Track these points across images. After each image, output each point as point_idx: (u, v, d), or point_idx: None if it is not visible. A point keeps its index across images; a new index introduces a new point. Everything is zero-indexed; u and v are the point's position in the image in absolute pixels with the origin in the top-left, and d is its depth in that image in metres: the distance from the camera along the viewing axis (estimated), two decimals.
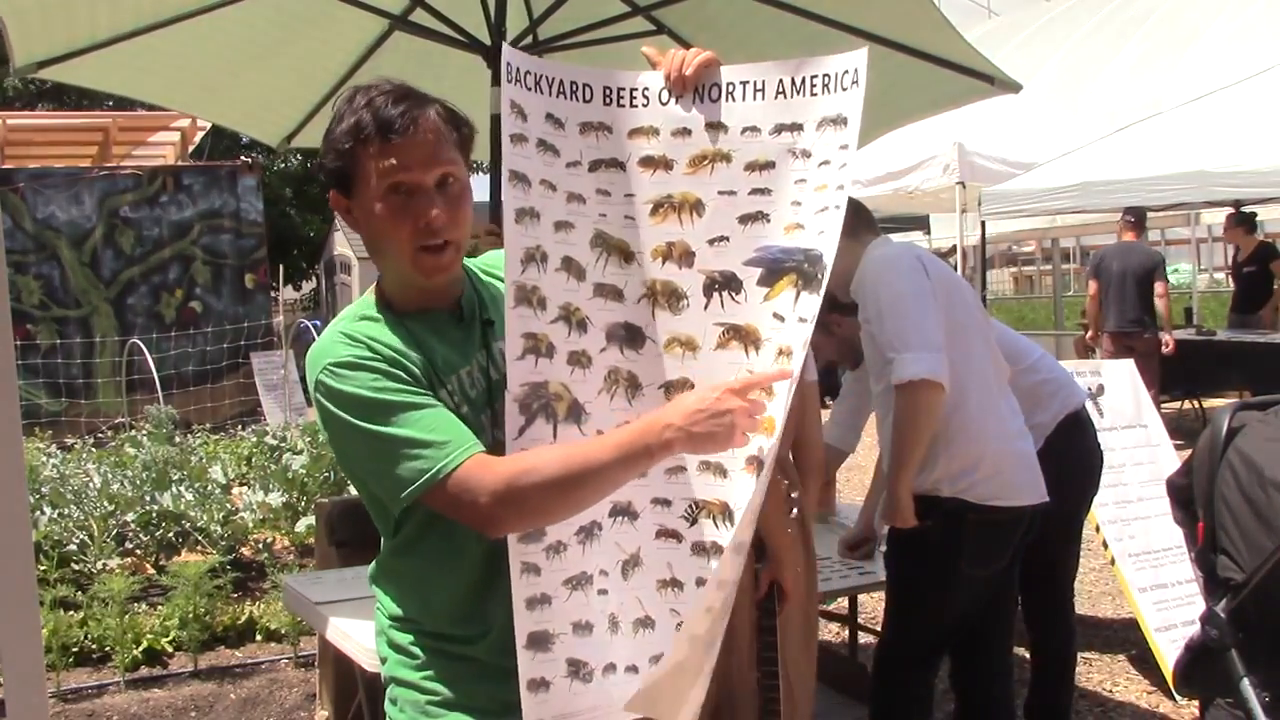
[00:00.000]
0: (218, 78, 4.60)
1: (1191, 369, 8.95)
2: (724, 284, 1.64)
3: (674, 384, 1.66)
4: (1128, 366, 4.74)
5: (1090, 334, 9.08)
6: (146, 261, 11.37)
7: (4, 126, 12.56)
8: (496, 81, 3.95)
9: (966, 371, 2.87)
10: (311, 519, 5.66)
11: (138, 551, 5.88)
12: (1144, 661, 4.36)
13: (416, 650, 1.71)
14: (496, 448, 1.64)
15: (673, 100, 1.66)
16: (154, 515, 5.96)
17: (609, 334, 1.65)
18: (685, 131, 1.66)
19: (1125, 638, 4.70)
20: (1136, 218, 8.78)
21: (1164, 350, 8.57)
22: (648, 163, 1.66)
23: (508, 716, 1.63)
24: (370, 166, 1.59)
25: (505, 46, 1.64)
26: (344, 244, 20.95)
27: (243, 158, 14.46)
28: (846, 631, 4.52)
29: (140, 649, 4.70)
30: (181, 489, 6.19)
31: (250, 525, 6.03)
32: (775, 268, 1.61)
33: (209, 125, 12.90)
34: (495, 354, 1.70)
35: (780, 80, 1.63)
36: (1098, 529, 4.26)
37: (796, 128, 1.62)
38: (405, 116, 1.57)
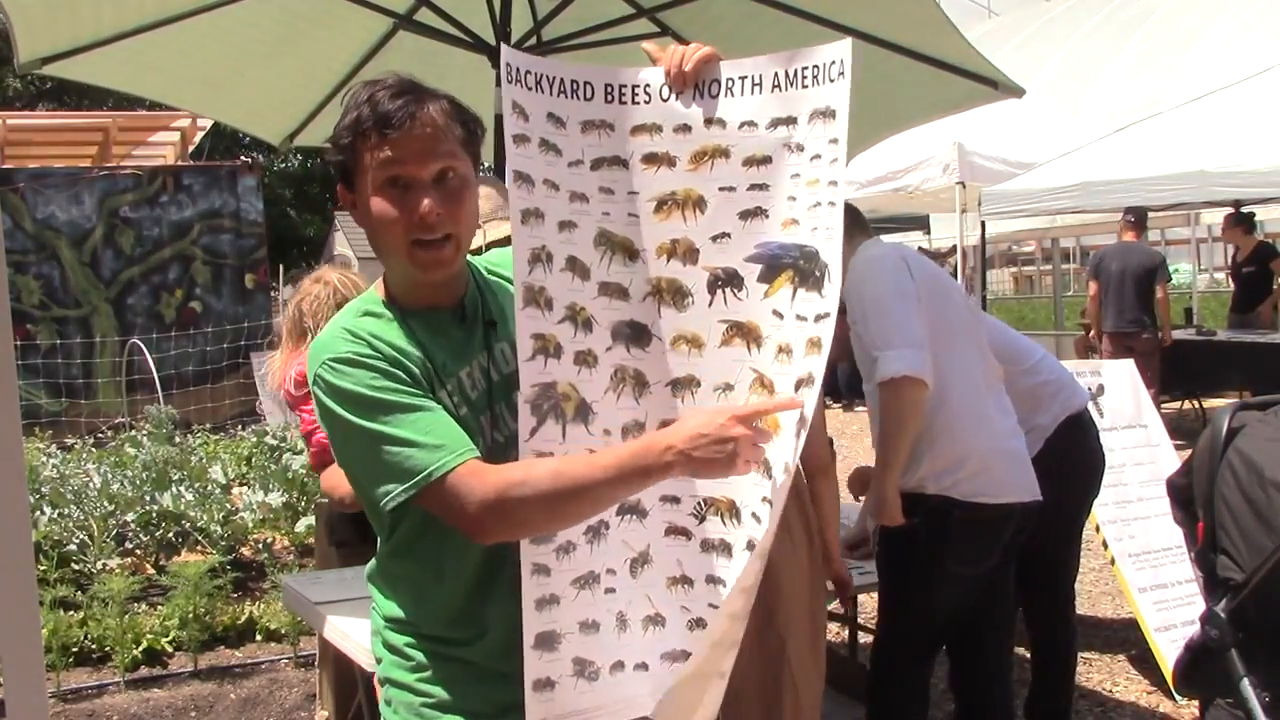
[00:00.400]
0: (221, 75, 4.60)
1: (1191, 369, 8.95)
2: (727, 280, 1.64)
3: (680, 381, 1.66)
4: (1128, 366, 4.74)
5: (1091, 334, 9.08)
6: (146, 261, 11.36)
7: (4, 126, 12.56)
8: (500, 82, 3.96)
9: (951, 370, 2.89)
10: (311, 519, 5.65)
11: (138, 551, 5.88)
12: (1144, 661, 4.36)
13: (412, 652, 1.70)
14: (496, 449, 1.64)
15: (673, 96, 1.66)
16: (154, 515, 5.96)
17: (614, 332, 1.64)
18: (686, 128, 1.65)
19: (1125, 638, 4.70)
20: (1136, 218, 8.78)
21: (1163, 346, 8.58)
22: (650, 160, 1.66)
23: (504, 719, 1.63)
24: (368, 160, 1.58)
25: (505, 47, 1.64)
26: (344, 244, 20.96)
27: (243, 158, 14.45)
28: (846, 632, 4.52)
29: (140, 649, 4.70)
30: (181, 489, 6.19)
31: (250, 525, 6.03)
32: (773, 264, 1.61)
33: (209, 125, 12.92)
34: (496, 355, 1.69)
35: (775, 73, 1.62)
36: (1098, 529, 4.26)
37: (790, 121, 1.62)
38: (403, 111, 1.56)
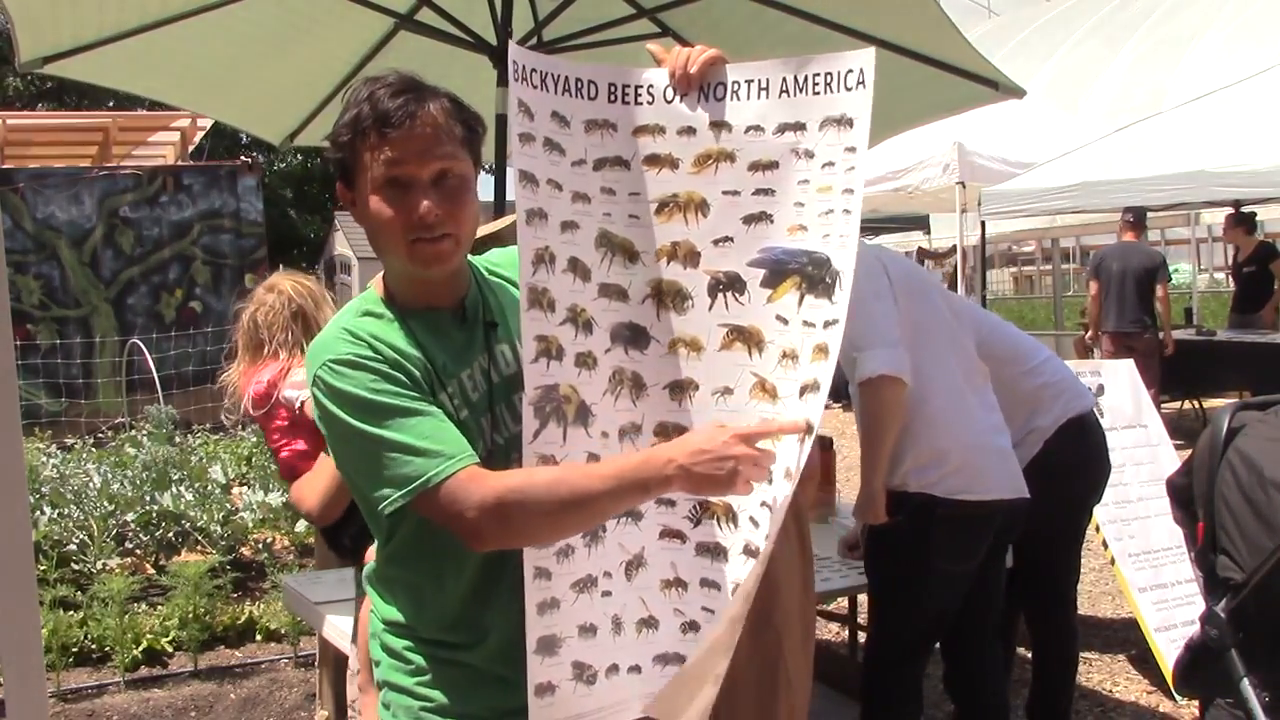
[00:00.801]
0: (222, 75, 4.60)
1: (1191, 369, 8.95)
2: (728, 285, 1.63)
3: (678, 384, 1.65)
4: (1128, 366, 4.74)
5: (1090, 334, 9.08)
6: (146, 261, 11.36)
7: (4, 126, 12.55)
8: (502, 82, 3.95)
9: (930, 368, 2.91)
10: None
11: (138, 551, 5.88)
12: (1144, 661, 4.36)
13: (411, 656, 1.69)
14: (496, 452, 1.63)
15: (677, 98, 1.64)
16: (154, 515, 5.96)
17: (614, 334, 1.64)
18: (690, 130, 1.64)
19: (1125, 638, 4.70)
20: (1135, 217, 8.79)
21: (1165, 352, 8.58)
22: (653, 161, 1.65)
23: None
24: (368, 159, 1.57)
25: (512, 45, 1.61)
26: (344, 244, 20.95)
27: (243, 157, 14.44)
28: (846, 632, 4.52)
29: (140, 649, 4.70)
30: (181, 489, 6.19)
31: (250, 525, 6.03)
32: (778, 269, 1.60)
33: (209, 125, 12.91)
34: (497, 357, 1.68)
35: (784, 79, 1.61)
36: (1098, 529, 4.26)
37: (800, 127, 1.61)
38: (403, 110, 1.55)
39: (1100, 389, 4.47)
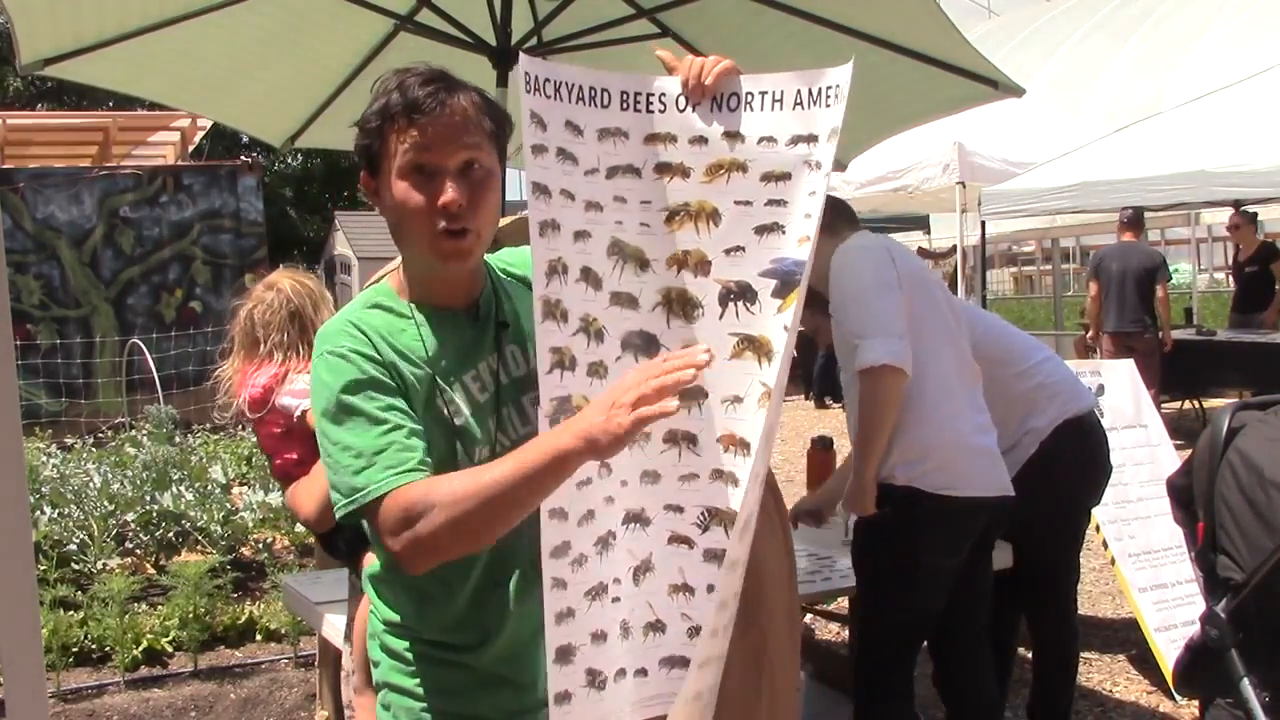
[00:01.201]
0: (222, 77, 4.60)
1: (1191, 369, 8.95)
2: (739, 294, 1.63)
3: (687, 392, 1.65)
4: (1128, 366, 4.74)
5: (1091, 334, 9.08)
6: (146, 261, 11.36)
7: (4, 126, 12.56)
8: (502, 82, 3.95)
9: (927, 362, 2.92)
10: None
11: (138, 551, 5.88)
12: (1144, 661, 4.36)
13: (412, 657, 1.68)
14: (501, 453, 1.60)
15: (690, 107, 1.64)
16: (154, 515, 5.96)
17: (624, 342, 1.63)
18: (702, 140, 1.64)
19: (1125, 638, 4.70)
20: (1131, 217, 8.79)
21: (1164, 350, 8.58)
22: (664, 169, 1.65)
23: None
24: (394, 145, 1.56)
25: (523, 56, 1.60)
26: (344, 244, 20.94)
27: (243, 158, 14.44)
28: (846, 632, 4.52)
29: (140, 649, 4.70)
30: (181, 489, 6.19)
31: (250, 525, 6.03)
32: (789, 280, 1.60)
33: (209, 125, 12.91)
34: (507, 357, 1.67)
35: (798, 91, 1.61)
36: (1098, 529, 4.26)
37: (812, 139, 1.61)
38: (433, 98, 1.54)
39: (1100, 389, 4.47)
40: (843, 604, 4.39)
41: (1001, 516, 3.04)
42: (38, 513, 5.79)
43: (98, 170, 11.68)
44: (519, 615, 1.65)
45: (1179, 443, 5.11)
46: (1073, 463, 3.49)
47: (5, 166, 11.84)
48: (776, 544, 2.63)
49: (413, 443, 1.53)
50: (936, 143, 9.40)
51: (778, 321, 1.61)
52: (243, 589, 5.58)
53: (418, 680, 1.67)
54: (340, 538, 2.85)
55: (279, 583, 4.87)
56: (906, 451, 2.93)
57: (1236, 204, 9.31)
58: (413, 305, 1.64)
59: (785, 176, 1.62)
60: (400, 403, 1.56)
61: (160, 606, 5.06)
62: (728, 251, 1.64)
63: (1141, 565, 4.27)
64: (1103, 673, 4.41)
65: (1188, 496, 2.16)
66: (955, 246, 10.74)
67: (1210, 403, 9.55)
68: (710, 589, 1.65)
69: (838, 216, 3.00)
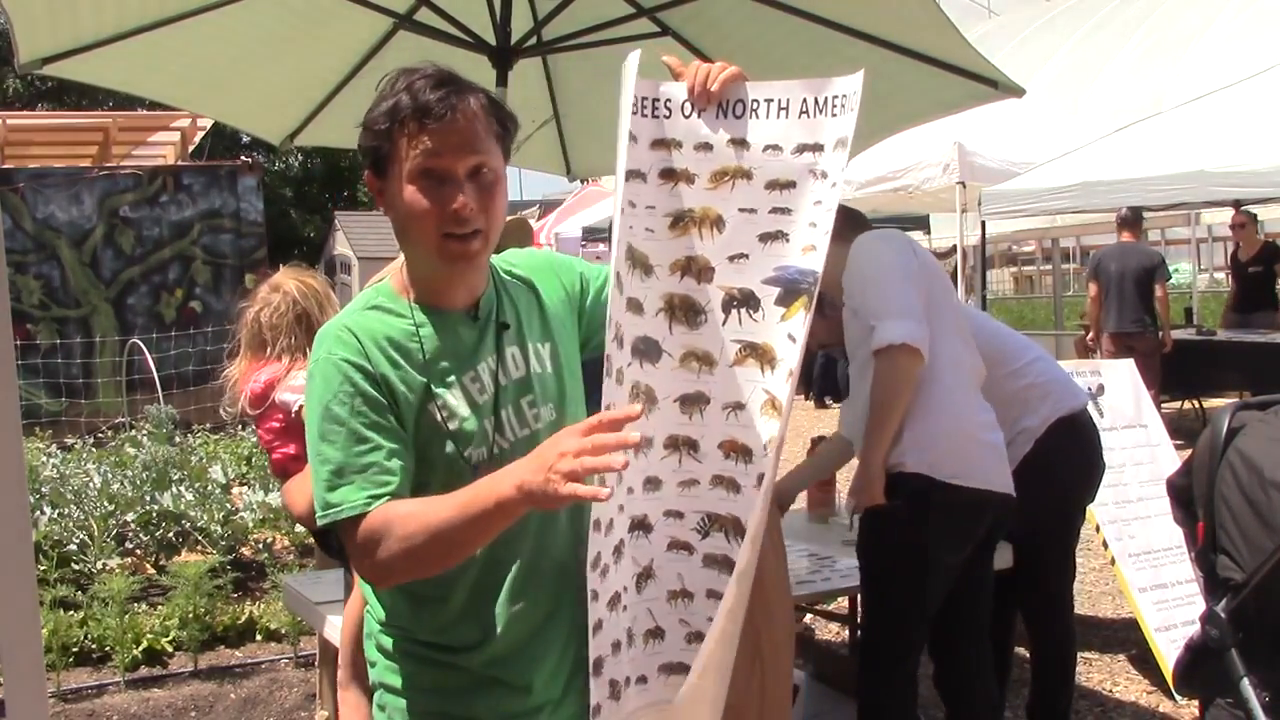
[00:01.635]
0: (222, 75, 4.60)
1: (1191, 369, 8.95)
2: (742, 301, 1.63)
3: (689, 397, 1.65)
4: (1128, 366, 4.74)
5: (1091, 335, 9.08)
6: (146, 261, 11.36)
7: (4, 126, 12.55)
8: (501, 82, 3.95)
9: (941, 354, 2.91)
10: None
11: (138, 551, 5.88)
12: (1144, 661, 4.36)
13: (408, 658, 1.68)
14: (499, 455, 1.61)
15: (695, 113, 1.64)
16: (154, 515, 5.96)
17: (633, 348, 1.64)
18: (707, 146, 1.63)
19: (1125, 638, 4.70)
20: (1127, 217, 8.79)
21: (1163, 349, 8.58)
22: (668, 175, 1.64)
23: None
24: (404, 149, 1.56)
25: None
26: (344, 244, 20.94)
27: (243, 157, 14.44)
28: (846, 632, 4.52)
29: (140, 649, 4.70)
30: (181, 489, 6.19)
31: (250, 525, 6.03)
32: (792, 288, 1.60)
33: (209, 125, 12.91)
34: (506, 359, 1.66)
35: (804, 99, 1.61)
36: (1098, 529, 4.26)
37: (818, 148, 1.61)
38: (443, 103, 1.54)
39: (1100, 389, 4.47)
40: (843, 604, 4.38)
41: (1005, 515, 3.03)
42: (38, 513, 5.79)
43: (98, 170, 11.68)
44: (515, 617, 1.64)
45: (1179, 443, 5.11)
46: (1067, 461, 3.49)
47: (5, 166, 11.84)
48: (770, 541, 2.63)
49: (391, 464, 1.54)
50: (936, 143, 9.40)
51: (781, 329, 1.61)
52: (243, 589, 5.58)
53: (413, 681, 1.67)
54: (333, 536, 2.85)
55: (279, 583, 4.87)
56: (918, 438, 2.89)
57: (1236, 204, 9.31)
58: (413, 306, 1.64)
59: (790, 185, 1.62)
60: (387, 419, 1.56)
61: (160, 606, 5.06)
62: (731, 258, 1.63)
63: (1141, 565, 4.27)
64: (1103, 673, 4.40)
65: (1188, 496, 2.16)
66: (955, 246, 10.73)
67: (1210, 403, 9.55)
68: (709, 594, 1.65)
69: (846, 223, 2.98)
